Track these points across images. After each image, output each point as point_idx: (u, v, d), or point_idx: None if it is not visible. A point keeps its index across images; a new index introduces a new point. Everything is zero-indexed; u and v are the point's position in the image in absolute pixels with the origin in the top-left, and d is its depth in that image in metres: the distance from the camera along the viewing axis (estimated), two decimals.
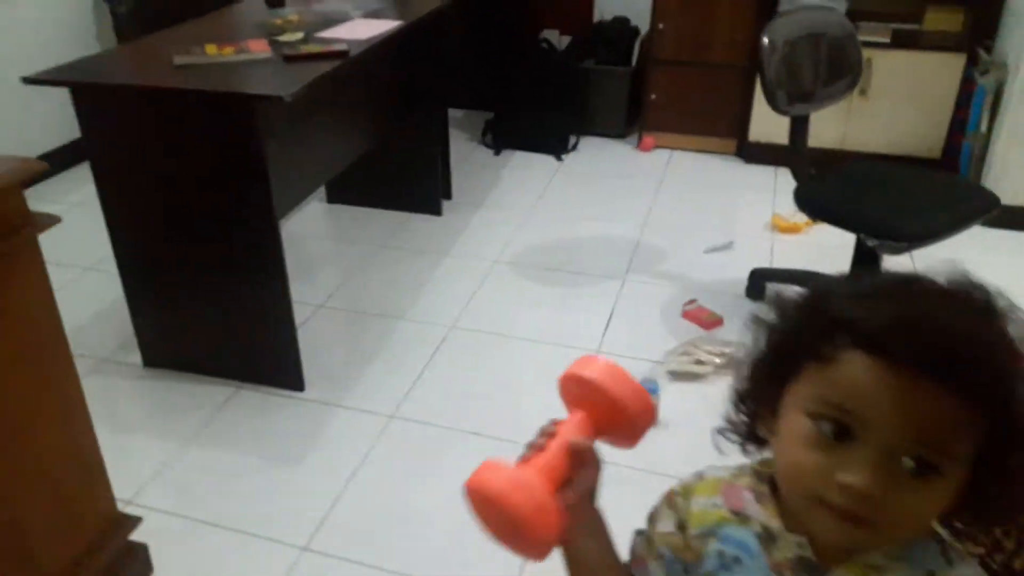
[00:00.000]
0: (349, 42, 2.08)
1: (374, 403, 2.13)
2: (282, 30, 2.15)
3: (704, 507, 0.73)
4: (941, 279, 0.62)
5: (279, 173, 1.97)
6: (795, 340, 0.64)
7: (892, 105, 3.36)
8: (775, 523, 0.68)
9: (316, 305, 2.58)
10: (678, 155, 3.77)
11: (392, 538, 1.72)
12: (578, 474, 0.71)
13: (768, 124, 3.46)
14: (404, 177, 3.15)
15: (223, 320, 2.14)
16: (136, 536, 1.58)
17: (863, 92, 3.33)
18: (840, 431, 0.59)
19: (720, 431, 0.75)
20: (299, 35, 2.13)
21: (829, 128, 3.39)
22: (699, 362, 2.25)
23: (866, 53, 2.67)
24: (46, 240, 1.29)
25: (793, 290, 0.70)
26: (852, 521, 0.59)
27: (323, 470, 1.90)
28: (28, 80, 1.82)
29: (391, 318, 2.52)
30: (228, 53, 1.96)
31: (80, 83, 1.86)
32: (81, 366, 1.42)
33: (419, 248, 2.95)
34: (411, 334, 2.44)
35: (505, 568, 1.60)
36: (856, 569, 0.65)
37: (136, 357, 2.26)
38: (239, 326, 2.14)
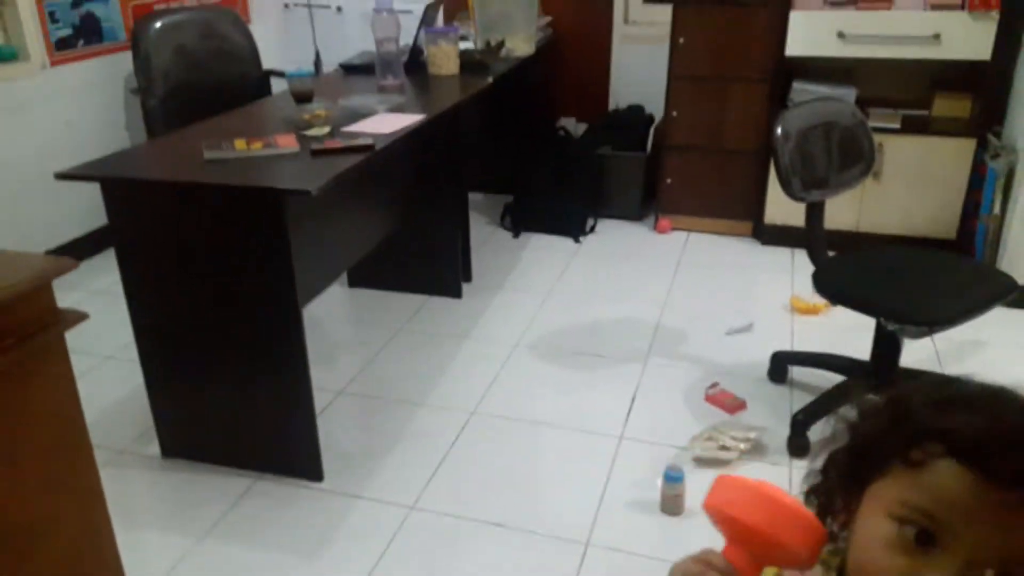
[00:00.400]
0: (374, 136, 2.14)
1: (394, 493, 2.09)
2: (309, 124, 2.22)
3: None
4: None
5: (303, 262, 2.00)
6: (881, 441, 0.65)
7: (905, 188, 3.39)
8: None
9: (336, 391, 2.57)
10: (695, 237, 3.80)
11: None
12: None
13: (784, 206, 3.50)
14: (424, 260, 3.19)
15: (243, 409, 2.13)
16: None
17: (876, 176, 3.37)
18: (924, 537, 0.59)
19: None
20: (326, 129, 2.20)
21: (844, 211, 3.42)
22: (724, 447, 2.20)
23: (877, 138, 2.71)
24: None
25: (875, 395, 0.71)
26: None
27: (341, 566, 1.86)
28: (61, 176, 1.87)
29: (411, 404, 2.50)
30: (257, 148, 2.02)
31: (111, 178, 1.91)
32: (99, 457, 1.40)
33: (439, 331, 2.96)
34: (431, 420, 2.42)
35: None
36: None
37: (155, 448, 2.25)
38: (259, 415, 2.13)
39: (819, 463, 0.71)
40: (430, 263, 3.20)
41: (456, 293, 3.21)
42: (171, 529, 1.98)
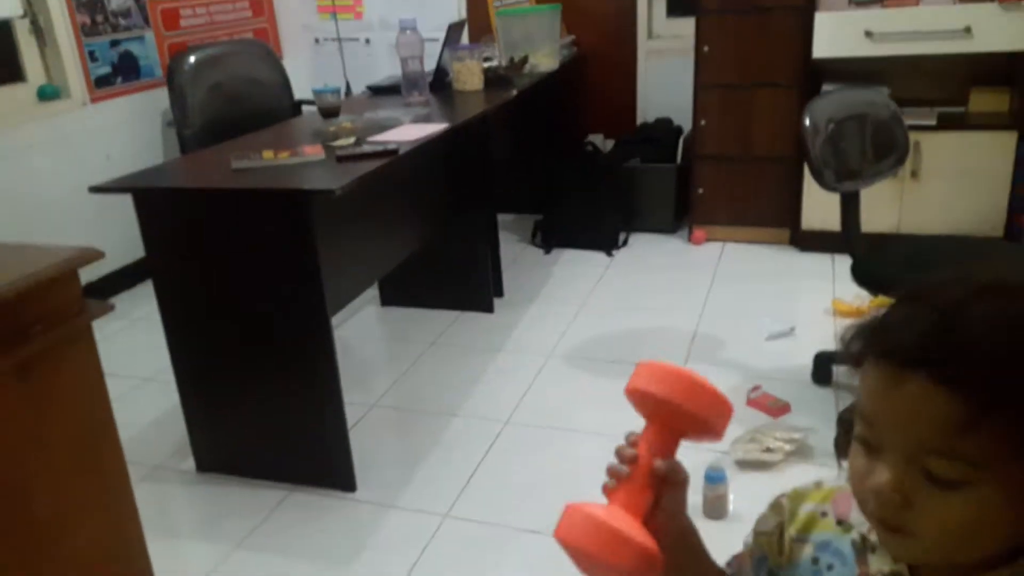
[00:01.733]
0: (399, 143, 2.15)
1: (427, 502, 2.05)
2: (336, 136, 2.25)
3: (811, 512, 0.71)
4: (952, 278, 0.58)
5: (331, 270, 2.00)
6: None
7: (946, 186, 3.30)
8: (876, 535, 0.64)
9: (368, 405, 2.55)
10: (731, 247, 3.74)
11: None
12: (665, 495, 0.69)
13: (821, 211, 3.42)
14: (455, 277, 3.19)
15: (276, 421, 2.12)
16: None
17: (914, 175, 3.29)
18: (868, 446, 0.58)
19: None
20: (351, 140, 2.22)
21: (884, 213, 3.33)
22: (768, 450, 2.12)
23: (913, 136, 2.65)
24: (108, 352, 1.32)
25: None
26: (889, 530, 0.57)
27: (376, 573, 1.81)
28: (94, 189, 1.92)
29: (444, 415, 2.47)
30: (284, 157, 2.05)
31: (140, 188, 1.95)
32: (135, 473, 1.41)
33: (471, 345, 2.93)
34: (464, 431, 2.38)
35: None
36: None
37: (190, 463, 2.25)
38: (292, 427, 2.12)
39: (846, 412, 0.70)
40: (461, 279, 3.19)
41: (488, 308, 3.19)
42: (205, 538, 1.97)
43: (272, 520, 2.02)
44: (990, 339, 0.52)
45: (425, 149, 2.23)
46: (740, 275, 3.44)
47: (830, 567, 0.68)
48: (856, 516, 0.67)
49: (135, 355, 2.89)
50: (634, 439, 0.70)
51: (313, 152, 2.08)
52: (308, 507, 2.07)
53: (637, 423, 0.72)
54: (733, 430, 2.25)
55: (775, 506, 0.75)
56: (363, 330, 3.17)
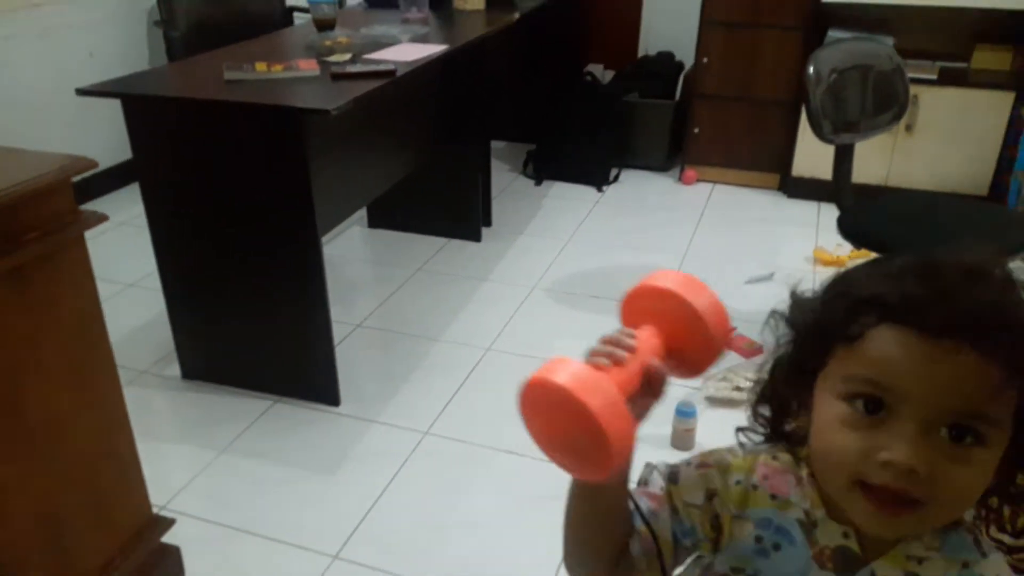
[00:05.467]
0: (396, 63, 2.12)
1: (409, 420, 2.11)
2: (331, 51, 2.21)
3: (744, 487, 0.70)
4: (962, 256, 0.61)
5: (322, 189, 2.00)
6: (821, 328, 0.63)
7: (939, 142, 3.31)
8: (819, 511, 0.66)
9: (353, 325, 2.59)
10: (720, 189, 3.75)
11: (424, 549, 1.69)
12: (641, 400, 0.65)
13: (812, 159, 3.43)
14: (444, 203, 3.18)
15: (263, 334, 2.16)
16: (170, 540, 1.58)
17: (909, 128, 3.29)
18: (874, 406, 0.58)
19: (742, 429, 0.73)
20: (347, 56, 2.18)
21: (874, 164, 3.34)
22: (738, 388, 2.20)
23: (913, 89, 2.63)
24: (92, 255, 1.32)
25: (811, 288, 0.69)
26: (896, 506, 0.57)
27: (356, 482, 1.89)
28: (81, 92, 1.88)
29: (427, 339, 2.51)
30: (277, 70, 2.01)
31: (131, 95, 1.92)
32: (121, 377, 1.43)
33: (457, 273, 2.96)
34: (447, 355, 2.43)
35: None
36: (898, 559, 0.63)
37: (175, 370, 2.29)
38: (278, 340, 2.15)
39: (765, 370, 0.70)
40: (450, 206, 3.19)
41: (476, 237, 3.20)
42: (192, 443, 2.02)
43: (256, 428, 2.08)
44: (1018, 311, 0.57)
45: (422, 71, 2.19)
46: (727, 218, 3.46)
47: (776, 546, 0.66)
48: (796, 494, 0.67)
49: (120, 260, 2.89)
50: (632, 334, 0.66)
51: (307, 67, 2.04)
52: (292, 418, 2.13)
53: None
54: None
55: (703, 476, 0.71)
56: (350, 251, 3.18)
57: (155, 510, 1.58)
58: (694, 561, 0.74)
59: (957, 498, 0.58)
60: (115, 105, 1.93)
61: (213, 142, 1.93)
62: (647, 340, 0.66)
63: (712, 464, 0.72)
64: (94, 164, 1.28)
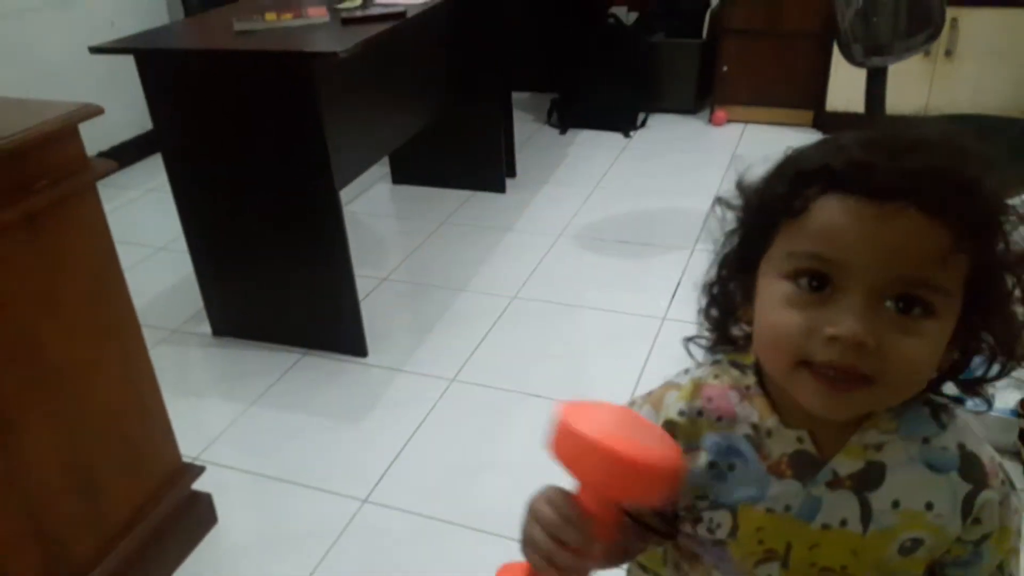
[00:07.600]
0: (407, 5, 2.08)
1: (436, 368, 2.11)
2: None
3: (689, 417, 0.66)
4: (914, 126, 0.57)
5: (338, 139, 1.98)
6: (765, 206, 0.59)
7: (980, 67, 3.15)
8: (770, 420, 0.63)
9: (380, 279, 2.59)
10: (752, 128, 3.64)
11: (452, 492, 1.70)
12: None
13: (846, 92, 3.30)
14: (467, 156, 3.14)
15: (288, 288, 2.17)
16: (204, 489, 1.60)
17: (948, 54, 3.13)
18: (819, 283, 0.54)
19: (690, 339, 0.69)
20: (358, 2, 2.14)
21: (912, 92, 3.20)
22: None
23: (951, 13, 2.50)
24: (122, 221, 1.32)
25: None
26: (846, 383, 0.54)
27: (385, 428, 1.90)
28: (95, 49, 1.88)
29: (453, 290, 2.50)
30: (287, 19, 1.99)
31: (142, 49, 1.91)
32: (152, 336, 1.46)
33: (482, 224, 2.93)
34: (473, 304, 2.42)
35: None
36: (856, 451, 0.61)
37: (205, 327, 2.32)
38: (303, 294, 2.16)
39: (711, 271, 0.66)
40: (474, 159, 3.15)
41: (500, 188, 3.16)
42: (222, 396, 2.05)
43: (286, 380, 2.10)
44: (967, 172, 0.53)
45: (435, 13, 2.14)
46: (760, 157, 3.35)
47: (731, 467, 0.64)
48: (742, 409, 0.64)
49: (149, 225, 2.93)
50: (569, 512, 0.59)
51: (317, 14, 2.01)
52: (321, 369, 2.14)
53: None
54: None
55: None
56: (375, 207, 3.17)
57: (189, 460, 1.61)
58: None
59: (908, 372, 0.54)
60: (137, 75, 1.92)
61: (226, 95, 1.92)
62: (583, 517, 0.58)
63: (640, 405, 0.70)
64: (100, 110, 1.27)
